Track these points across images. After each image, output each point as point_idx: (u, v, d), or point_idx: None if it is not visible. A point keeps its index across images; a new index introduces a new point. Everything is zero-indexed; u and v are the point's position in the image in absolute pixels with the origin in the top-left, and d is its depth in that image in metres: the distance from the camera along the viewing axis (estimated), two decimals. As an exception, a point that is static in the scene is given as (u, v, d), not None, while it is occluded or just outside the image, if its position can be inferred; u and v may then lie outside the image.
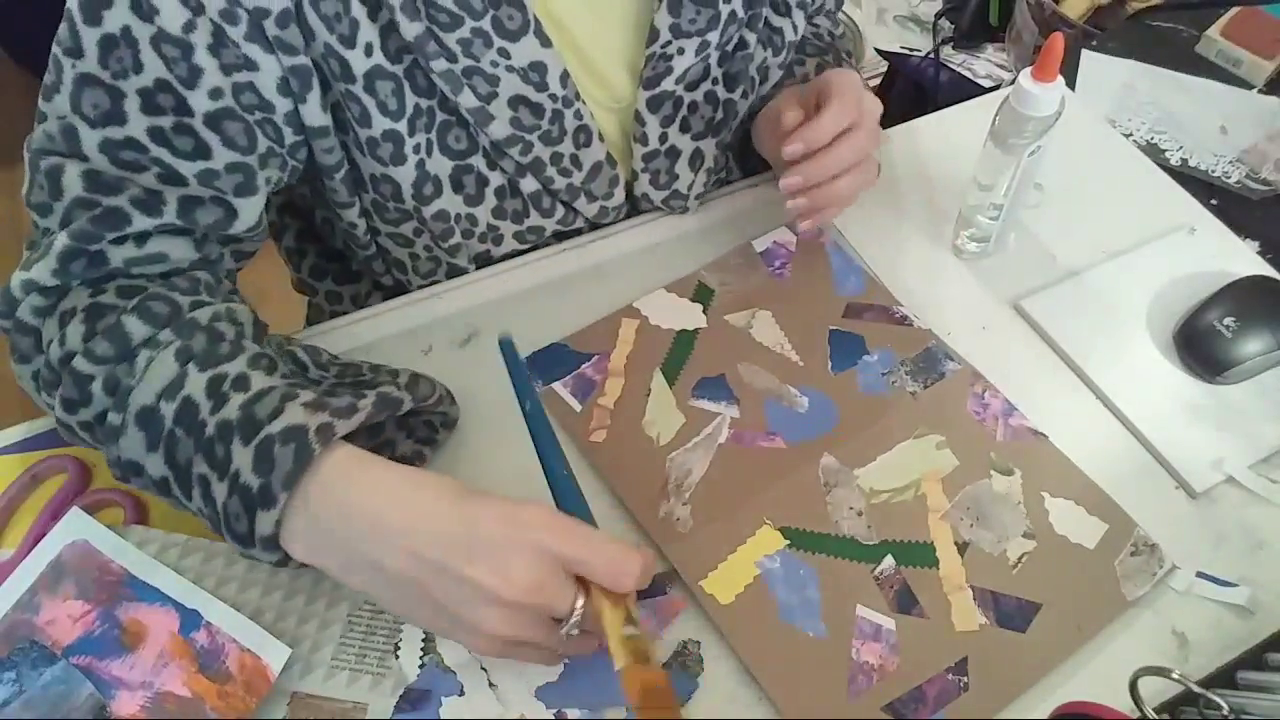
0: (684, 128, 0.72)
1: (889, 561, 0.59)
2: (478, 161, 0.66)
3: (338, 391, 0.53)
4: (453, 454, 0.63)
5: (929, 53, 1.38)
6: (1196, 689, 0.48)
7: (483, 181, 0.67)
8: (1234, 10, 1.01)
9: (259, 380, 0.51)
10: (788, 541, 0.60)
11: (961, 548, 0.60)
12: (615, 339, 0.69)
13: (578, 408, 0.65)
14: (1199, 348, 0.69)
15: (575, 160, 0.69)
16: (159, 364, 0.52)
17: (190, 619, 0.54)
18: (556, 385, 0.66)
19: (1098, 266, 0.75)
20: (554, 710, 0.54)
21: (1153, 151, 0.90)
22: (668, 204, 0.76)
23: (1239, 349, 0.68)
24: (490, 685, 0.54)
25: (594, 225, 0.75)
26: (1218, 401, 0.68)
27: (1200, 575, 0.60)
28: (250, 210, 0.60)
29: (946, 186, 0.80)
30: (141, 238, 0.56)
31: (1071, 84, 0.96)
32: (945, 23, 1.43)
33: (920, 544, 0.60)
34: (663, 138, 0.71)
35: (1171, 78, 0.97)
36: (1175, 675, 0.48)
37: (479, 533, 0.47)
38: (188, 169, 0.56)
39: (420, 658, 0.55)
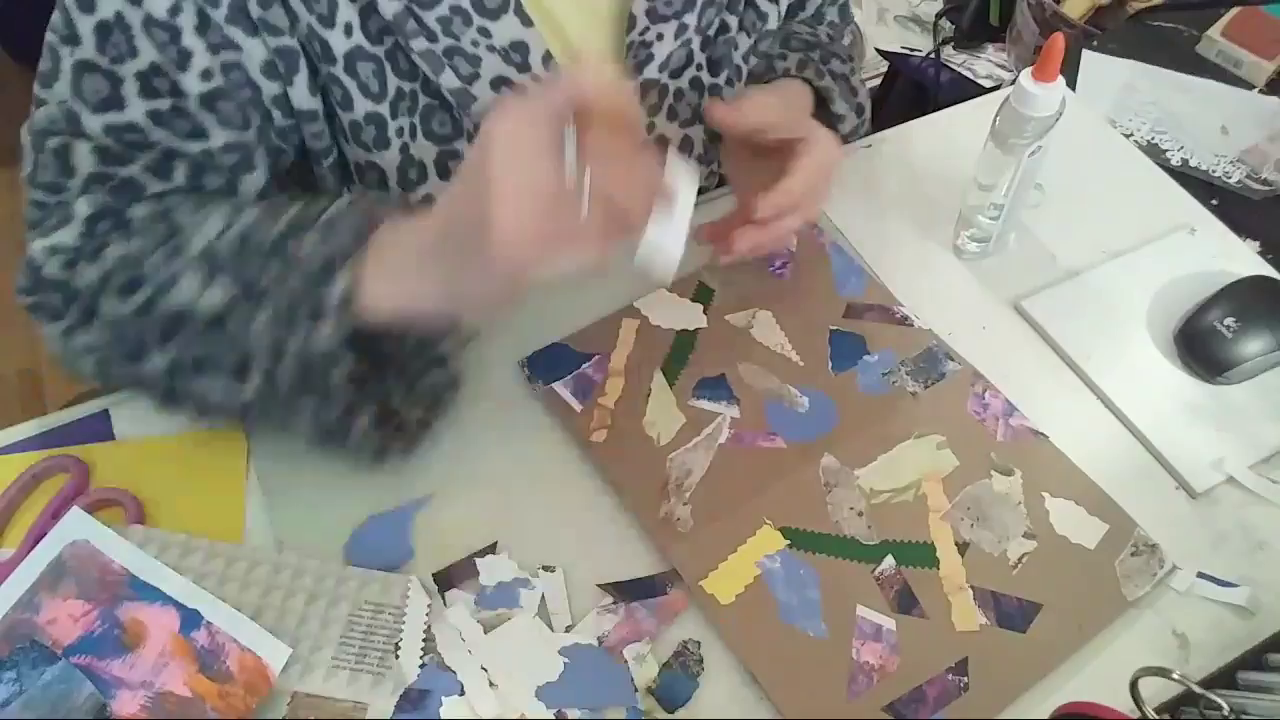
0: (671, 115, 0.71)
1: (889, 561, 0.59)
2: (462, 145, 0.65)
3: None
4: (453, 454, 0.63)
5: (930, 53, 1.38)
6: (1197, 689, 0.48)
7: None
8: (1234, 10, 1.01)
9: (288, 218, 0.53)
10: (788, 541, 0.60)
11: (962, 548, 0.60)
12: (616, 339, 0.69)
13: (578, 408, 0.65)
14: (1199, 348, 0.69)
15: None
16: (211, 217, 0.55)
17: (190, 619, 0.54)
18: (557, 385, 0.66)
19: (1098, 266, 0.75)
20: (554, 710, 0.54)
21: (1153, 151, 0.90)
22: (681, 146, 0.74)
23: (1239, 349, 0.68)
24: (490, 685, 0.54)
25: None
26: (1218, 401, 0.68)
27: (1200, 575, 0.60)
28: (251, 185, 0.61)
29: (947, 186, 0.80)
30: (158, 198, 0.58)
31: (1072, 84, 0.96)
32: (946, 23, 1.43)
33: (920, 544, 0.60)
34: (650, 126, 0.71)
35: (1172, 78, 0.97)
36: (1175, 675, 0.48)
37: (463, 176, 0.47)
38: (190, 148, 0.57)
39: (421, 657, 0.55)
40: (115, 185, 0.57)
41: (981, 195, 0.70)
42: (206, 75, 0.55)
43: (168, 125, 0.56)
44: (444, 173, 0.66)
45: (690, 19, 0.66)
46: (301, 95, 0.59)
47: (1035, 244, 0.77)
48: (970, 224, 0.73)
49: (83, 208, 0.57)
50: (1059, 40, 0.62)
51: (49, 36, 0.55)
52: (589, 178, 0.46)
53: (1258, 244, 0.81)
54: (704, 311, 0.71)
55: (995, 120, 0.67)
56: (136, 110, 0.55)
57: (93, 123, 0.55)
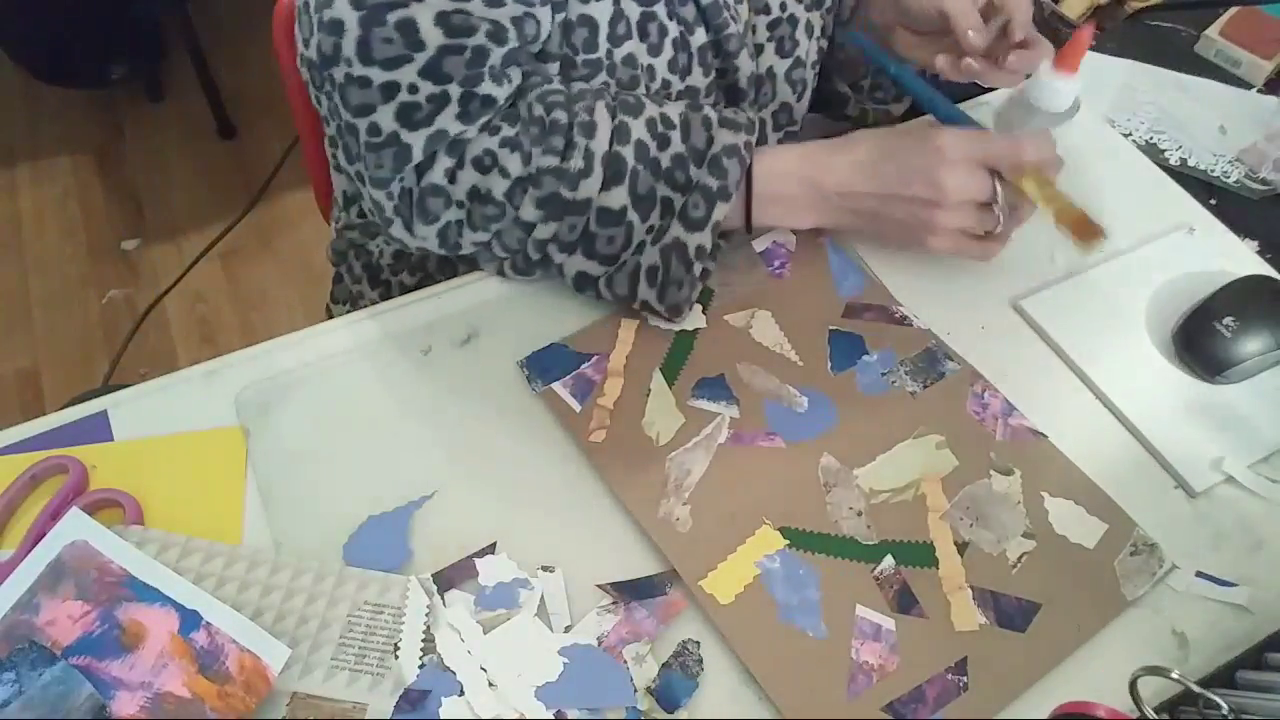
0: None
1: (889, 561, 0.59)
2: (660, 10, 0.69)
3: (721, 111, 0.67)
4: (453, 454, 0.63)
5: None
6: (1196, 689, 0.48)
7: (663, 31, 0.70)
8: (1233, 10, 1.01)
9: (675, 112, 0.66)
10: (787, 541, 0.60)
11: (961, 547, 0.60)
12: (615, 339, 0.69)
13: (577, 408, 0.65)
14: (1199, 348, 0.69)
15: (737, 12, 0.73)
16: (599, 116, 0.63)
17: (190, 619, 0.54)
18: (556, 385, 0.66)
19: (1098, 266, 0.75)
20: (554, 710, 0.54)
21: (1152, 151, 0.90)
22: (789, 78, 0.79)
23: (1238, 349, 0.68)
24: (490, 685, 0.54)
25: (731, 101, 0.77)
26: (1217, 401, 0.68)
27: (1200, 575, 0.60)
28: (547, 18, 0.64)
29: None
30: (501, 74, 0.63)
31: (1071, 84, 0.96)
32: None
33: (920, 544, 0.60)
34: (783, 6, 0.77)
35: (1171, 78, 0.97)
36: (1175, 675, 0.48)
37: (908, 162, 0.66)
38: (501, 11, 0.61)
39: (420, 658, 0.55)
40: (470, 58, 0.60)
41: None
42: None
43: None
44: (644, 34, 0.69)
45: None
46: None
47: (1035, 244, 0.77)
48: None
49: (454, 88, 0.60)
50: (1086, 33, 0.59)
51: None
52: (1002, 195, 0.66)
53: (1256, 243, 0.81)
54: (703, 312, 0.71)
55: (1002, 107, 0.66)
56: None
57: None
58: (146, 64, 2.07)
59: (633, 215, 0.64)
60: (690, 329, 0.70)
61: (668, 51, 0.70)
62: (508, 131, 0.63)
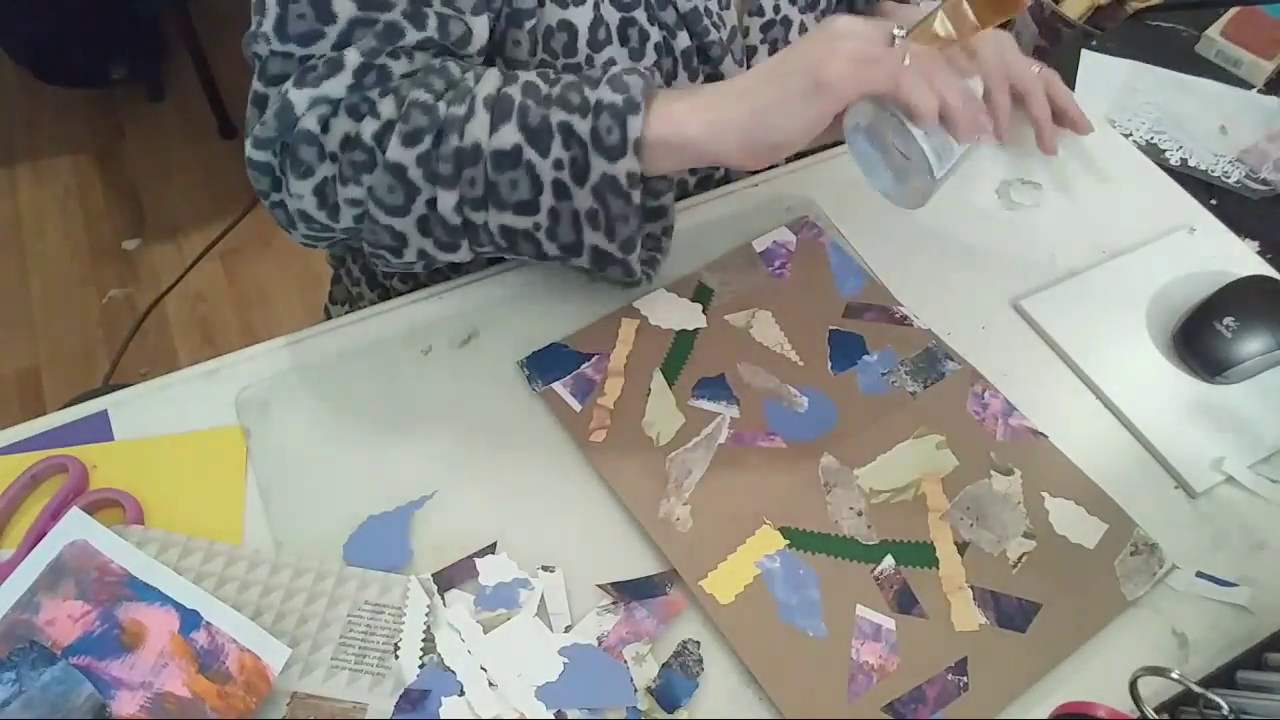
0: (791, 0, 0.77)
1: (889, 561, 0.59)
2: (640, 15, 0.69)
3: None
4: (453, 454, 0.63)
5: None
6: (1196, 689, 0.48)
7: (644, 36, 0.70)
8: (1234, 10, 1.01)
9: (569, 75, 0.61)
10: (787, 541, 0.60)
11: (961, 548, 0.60)
12: (615, 339, 0.69)
13: (577, 408, 0.65)
14: (1199, 348, 0.69)
15: (721, 18, 0.72)
16: (486, 76, 0.60)
17: (190, 619, 0.54)
18: (556, 385, 0.66)
19: (1098, 266, 0.75)
20: (554, 710, 0.54)
21: (1152, 151, 0.90)
22: None
23: (1239, 349, 0.68)
24: (490, 685, 0.54)
25: None
26: (1217, 401, 0.68)
27: (1200, 575, 0.60)
28: (482, 28, 0.64)
29: (946, 186, 0.80)
30: (410, 54, 0.61)
31: (1071, 84, 0.96)
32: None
33: (920, 544, 0.60)
34: (776, 8, 0.76)
35: (1171, 78, 0.97)
36: (1175, 675, 0.48)
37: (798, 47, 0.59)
38: None
39: (420, 658, 0.55)
40: (380, 31, 0.59)
41: None
42: None
43: None
44: (624, 39, 0.69)
45: None
46: None
47: (1035, 244, 0.77)
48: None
49: (353, 57, 0.59)
50: None
51: None
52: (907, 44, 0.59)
53: (1257, 244, 0.81)
54: (703, 311, 0.71)
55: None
56: None
57: None
58: (146, 64, 2.07)
59: (530, 153, 0.59)
60: (691, 329, 0.70)
61: (650, 56, 0.70)
62: (392, 83, 0.61)
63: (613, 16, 0.68)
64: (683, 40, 0.71)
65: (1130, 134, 0.92)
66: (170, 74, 2.11)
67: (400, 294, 0.79)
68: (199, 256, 1.84)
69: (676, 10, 0.69)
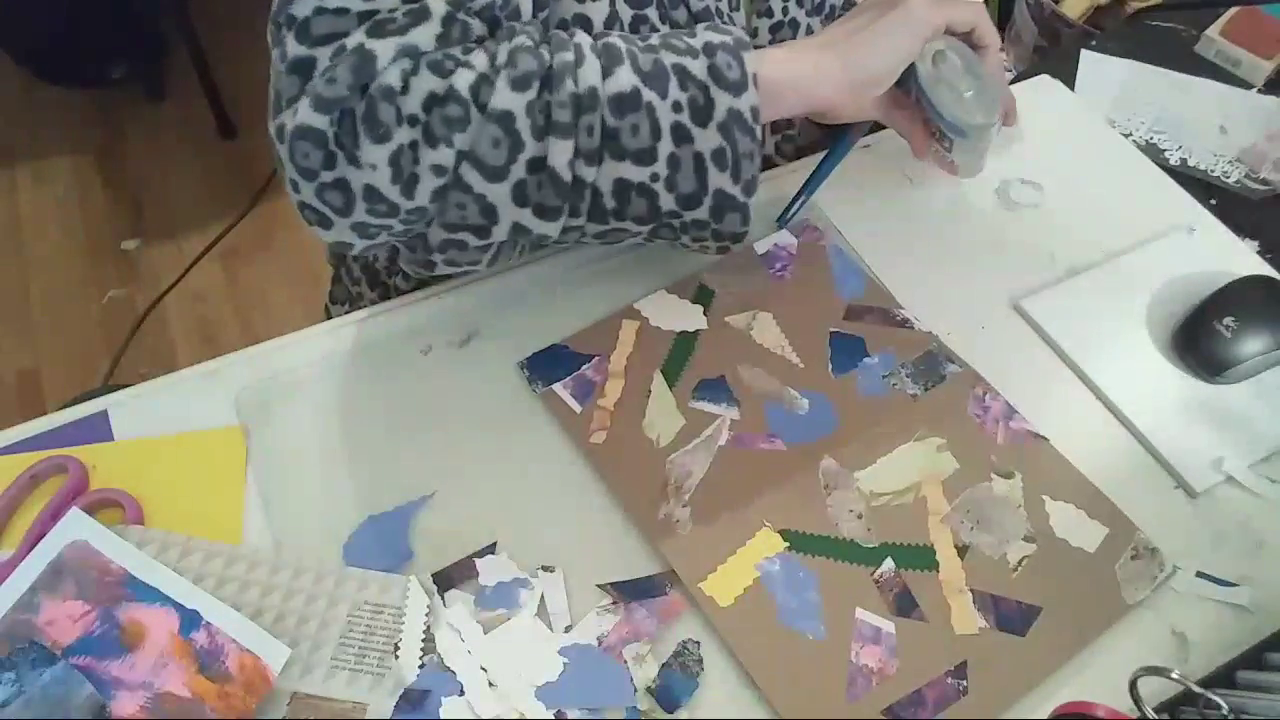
0: (799, 2, 0.77)
1: (889, 564, 0.59)
2: (652, 13, 0.67)
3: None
4: (453, 454, 0.63)
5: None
6: (1196, 689, 0.48)
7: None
8: (1233, 10, 1.01)
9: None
10: (787, 544, 0.60)
11: (961, 551, 0.60)
12: (615, 340, 0.69)
13: (577, 409, 0.65)
14: (1199, 348, 0.69)
15: (731, 19, 0.72)
16: (575, 30, 0.59)
17: (190, 619, 0.54)
18: (556, 386, 0.66)
19: (1098, 266, 0.75)
20: (554, 710, 0.54)
21: (1152, 151, 0.90)
22: None
23: (1239, 349, 0.68)
24: (490, 685, 0.54)
25: None
26: (1217, 401, 0.68)
27: (1200, 575, 0.60)
28: (528, 6, 0.61)
29: (947, 186, 0.80)
30: (474, 13, 0.57)
31: (1071, 84, 0.96)
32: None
33: (920, 547, 0.60)
34: (784, 10, 0.76)
35: (1171, 77, 0.97)
36: (1175, 675, 0.48)
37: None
38: None
39: (420, 658, 0.55)
40: None
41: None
42: None
43: None
44: (636, 33, 0.66)
45: None
46: None
47: (1035, 244, 0.77)
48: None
49: (438, 6, 0.54)
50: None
51: None
52: None
53: (1257, 244, 0.81)
54: (704, 313, 0.71)
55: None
56: None
57: None
58: (146, 64, 2.07)
59: (649, 94, 0.56)
60: (691, 330, 0.70)
61: None
62: (475, 45, 0.57)
63: (626, 13, 0.67)
64: None
65: (1130, 134, 0.92)
66: (170, 74, 2.11)
67: (401, 293, 0.80)
68: (199, 256, 1.84)
69: (688, 9, 0.69)
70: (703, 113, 0.57)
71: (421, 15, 0.54)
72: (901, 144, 0.77)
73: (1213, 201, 0.85)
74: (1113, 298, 0.73)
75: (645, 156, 0.57)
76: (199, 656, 0.53)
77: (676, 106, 0.57)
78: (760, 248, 0.75)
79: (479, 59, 0.55)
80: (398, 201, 0.55)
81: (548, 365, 0.67)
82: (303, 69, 0.54)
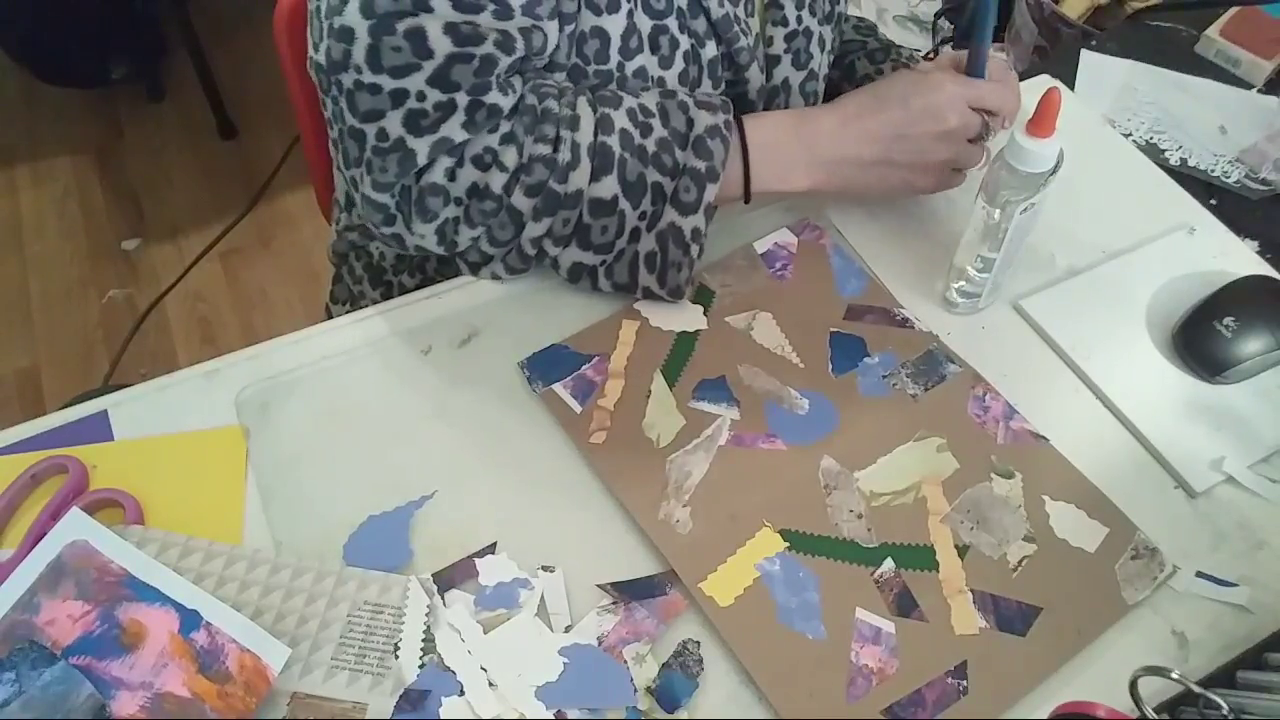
0: (811, 11, 0.78)
1: (889, 564, 0.59)
2: (671, 23, 0.69)
3: (695, 94, 0.68)
4: (453, 454, 0.63)
5: (928, 53, 1.38)
6: (1196, 689, 0.48)
7: (674, 44, 0.70)
8: (1233, 10, 1.01)
9: (652, 100, 0.67)
10: (787, 544, 0.60)
11: (962, 551, 0.60)
12: (615, 340, 0.69)
13: (577, 409, 0.65)
14: (1199, 348, 0.69)
15: (747, 25, 0.73)
16: (582, 110, 0.64)
17: (190, 619, 0.54)
18: (556, 386, 0.66)
19: (1098, 266, 0.75)
20: (554, 710, 0.54)
21: (1152, 151, 0.90)
22: (802, 90, 0.80)
23: (1239, 349, 0.68)
24: (490, 685, 0.54)
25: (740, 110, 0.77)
26: (1217, 401, 0.68)
27: (1200, 575, 0.60)
28: (554, 32, 0.65)
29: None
30: (508, 82, 0.63)
31: (1071, 84, 0.96)
32: (944, 23, 1.43)
33: (920, 547, 0.60)
34: (799, 19, 0.77)
35: (1171, 77, 0.97)
36: (1175, 675, 0.48)
37: (909, 101, 0.68)
38: (510, 23, 0.61)
39: (420, 658, 0.55)
40: (478, 66, 0.60)
41: (972, 250, 0.68)
42: None
43: None
44: (655, 47, 0.70)
45: None
46: None
47: (1035, 244, 0.77)
48: (961, 276, 0.71)
49: (461, 98, 0.61)
50: (1055, 95, 0.60)
51: None
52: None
53: (1257, 244, 0.81)
54: (704, 313, 0.71)
55: (985, 175, 0.65)
56: None
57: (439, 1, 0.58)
58: (146, 64, 2.07)
59: (624, 204, 0.65)
60: (691, 330, 0.70)
61: (678, 64, 0.70)
62: (505, 127, 0.63)
63: (645, 25, 0.68)
64: (710, 49, 0.71)
65: (1130, 134, 0.92)
66: (170, 74, 2.11)
67: (406, 291, 0.80)
68: (199, 257, 1.84)
69: (708, 18, 0.70)
70: (652, 220, 0.67)
71: (448, 109, 0.61)
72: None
73: (1213, 201, 0.85)
74: (1113, 298, 0.73)
75: (604, 249, 0.67)
76: (199, 656, 0.53)
77: (641, 215, 0.66)
78: (760, 247, 0.75)
79: (509, 157, 0.63)
80: (435, 249, 0.67)
81: (548, 365, 0.67)
82: (357, 137, 0.63)
